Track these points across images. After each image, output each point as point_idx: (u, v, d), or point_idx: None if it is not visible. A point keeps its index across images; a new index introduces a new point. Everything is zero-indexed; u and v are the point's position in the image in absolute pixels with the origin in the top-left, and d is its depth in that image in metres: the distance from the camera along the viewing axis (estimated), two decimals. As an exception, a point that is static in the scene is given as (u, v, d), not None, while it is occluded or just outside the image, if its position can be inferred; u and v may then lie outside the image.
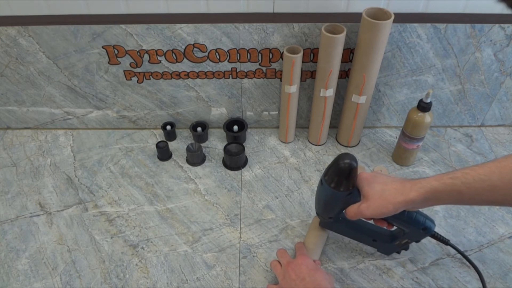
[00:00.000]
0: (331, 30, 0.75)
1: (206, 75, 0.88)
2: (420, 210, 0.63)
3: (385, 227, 0.64)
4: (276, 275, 0.67)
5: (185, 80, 0.89)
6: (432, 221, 0.64)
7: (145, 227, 0.78)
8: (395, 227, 0.65)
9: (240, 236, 0.77)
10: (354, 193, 0.60)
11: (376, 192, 0.57)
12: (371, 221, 0.65)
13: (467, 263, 0.71)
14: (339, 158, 0.58)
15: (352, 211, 0.60)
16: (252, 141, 0.96)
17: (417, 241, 0.67)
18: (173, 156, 0.93)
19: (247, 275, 0.71)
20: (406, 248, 0.71)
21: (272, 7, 0.82)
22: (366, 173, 0.61)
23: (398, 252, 0.72)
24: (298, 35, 0.81)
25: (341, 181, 0.58)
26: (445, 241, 0.69)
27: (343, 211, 0.63)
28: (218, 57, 0.84)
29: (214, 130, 0.99)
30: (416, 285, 0.69)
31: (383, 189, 0.57)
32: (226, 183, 0.87)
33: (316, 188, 0.84)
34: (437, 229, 0.70)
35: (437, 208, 0.81)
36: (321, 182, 0.62)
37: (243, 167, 0.90)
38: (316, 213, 0.69)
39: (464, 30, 0.80)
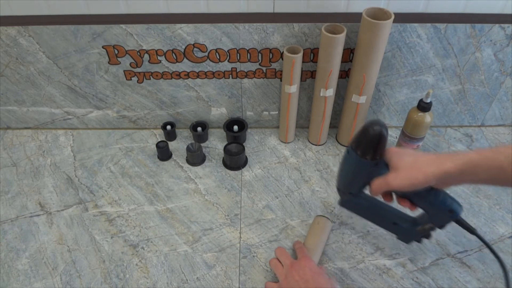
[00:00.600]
0: (331, 30, 0.75)
1: (206, 75, 0.88)
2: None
3: (407, 208, 0.59)
4: (276, 274, 0.67)
5: (185, 80, 0.89)
6: (459, 204, 0.59)
7: (145, 227, 0.78)
8: (418, 210, 0.60)
9: (240, 236, 0.77)
10: (381, 165, 0.57)
11: (407, 162, 0.54)
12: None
13: (467, 263, 0.71)
14: (369, 124, 0.54)
15: (378, 183, 0.56)
16: (252, 141, 0.96)
17: (441, 227, 0.62)
18: (173, 156, 0.93)
19: (247, 275, 0.71)
20: (428, 236, 0.65)
21: (272, 7, 0.82)
22: (396, 148, 0.58)
23: (419, 241, 0.67)
24: (298, 35, 0.81)
25: (368, 149, 0.55)
26: (471, 230, 0.62)
27: (366, 187, 0.60)
28: (218, 57, 0.85)
29: (214, 130, 0.99)
30: (416, 285, 0.69)
31: (415, 160, 0.53)
32: (226, 183, 0.87)
33: (316, 188, 0.85)
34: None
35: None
36: (347, 151, 0.59)
37: (243, 167, 0.90)
38: (337, 188, 0.65)
39: (464, 30, 0.80)
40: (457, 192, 0.84)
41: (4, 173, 0.90)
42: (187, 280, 0.70)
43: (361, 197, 0.63)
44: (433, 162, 0.52)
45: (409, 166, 0.53)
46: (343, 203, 0.67)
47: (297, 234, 0.77)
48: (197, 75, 0.88)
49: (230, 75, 0.88)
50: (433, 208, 0.59)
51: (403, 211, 0.62)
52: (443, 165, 0.51)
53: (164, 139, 0.96)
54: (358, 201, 0.64)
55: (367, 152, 0.55)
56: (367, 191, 0.61)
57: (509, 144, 0.51)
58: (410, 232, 0.65)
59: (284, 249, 0.70)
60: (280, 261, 0.68)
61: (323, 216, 0.76)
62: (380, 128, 0.53)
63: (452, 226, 0.77)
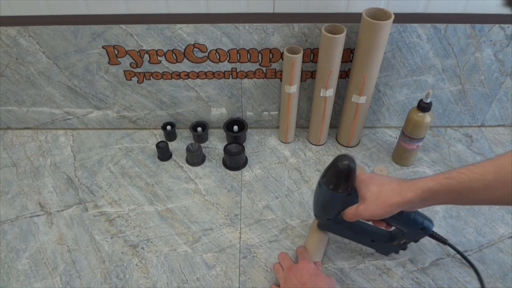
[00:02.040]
0: (331, 30, 0.76)
1: (206, 75, 0.88)
2: (419, 210, 0.63)
3: (383, 228, 0.64)
4: (277, 278, 0.67)
5: (185, 80, 0.89)
6: (431, 221, 0.64)
7: (145, 227, 0.78)
8: (393, 227, 0.65)
9: (240, 236, 0.77)
10: (353, 195, 0.60)
11: (373, 193, 0.57)
12: (370, 222, 0.65)
13: (467, 263, 0.71)
14: (338, 160, 0.57)
15: (350, 213, 0.60)
16: (252, 141, 0.96)
17: (415, 241, 0.67)
18: (173, 156, 0.93)
19: (247, 275, 0.71)
20: (405, 248, 0.71)
21: (272, 7, 0.82)
22: (364, 174, 0.60)
23: (397, 252, 0.72)
24: (298, 35, 0.81)
25: (339, 183, 0.58)
26: (443, 241, 0.69)
27: (342, 213, 0.63)
28: (218, 57, 0.85)
29: (214, 130, 0.99)
30: (416, 285, 0.69)
31: (380, 190, 0.57)
32: (226, 183, 0.87)
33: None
34: (437, 229, 0.71)
35: (437, 208, 0.81)
36: (319, 184, 0.62)
37: (243, 167, 0.90)
38: (314, 214, 0.69)
39: (464, 30, 0.80)
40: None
41: (4, 173, 0.90)
42: (187, 280, 0.70)
43: (339, 220, 0.67)
44: (396, 192, 0.56)
45: (375, 198, 0.57)
46: (322, 226, 0.72)
47: (297, 234, 0.77)
48: (197, 75, 0.88)
49: (230, 75, 0.88)
50: (406, 227, 0.64)
51: (379, 229, 0.66)
52: (405, 195, 0.55)
53: (164, 139, 0.96)
54: (336, 224, 0.69)
55: (339, 186, 0.59)
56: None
57: (464, 165, 0.54)
58: (387, 246, 0.71)
59: (287, 254, 0.70)
60: (281, 265, 0.68)
61: None
62: (348, 163, 0.57)
63: (452, 227, 0.77)
